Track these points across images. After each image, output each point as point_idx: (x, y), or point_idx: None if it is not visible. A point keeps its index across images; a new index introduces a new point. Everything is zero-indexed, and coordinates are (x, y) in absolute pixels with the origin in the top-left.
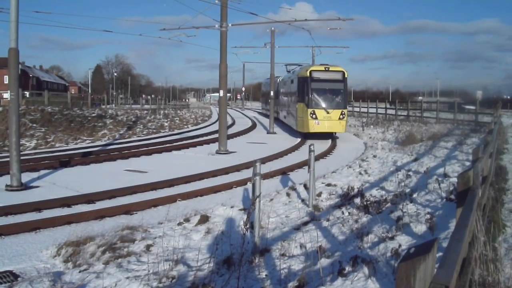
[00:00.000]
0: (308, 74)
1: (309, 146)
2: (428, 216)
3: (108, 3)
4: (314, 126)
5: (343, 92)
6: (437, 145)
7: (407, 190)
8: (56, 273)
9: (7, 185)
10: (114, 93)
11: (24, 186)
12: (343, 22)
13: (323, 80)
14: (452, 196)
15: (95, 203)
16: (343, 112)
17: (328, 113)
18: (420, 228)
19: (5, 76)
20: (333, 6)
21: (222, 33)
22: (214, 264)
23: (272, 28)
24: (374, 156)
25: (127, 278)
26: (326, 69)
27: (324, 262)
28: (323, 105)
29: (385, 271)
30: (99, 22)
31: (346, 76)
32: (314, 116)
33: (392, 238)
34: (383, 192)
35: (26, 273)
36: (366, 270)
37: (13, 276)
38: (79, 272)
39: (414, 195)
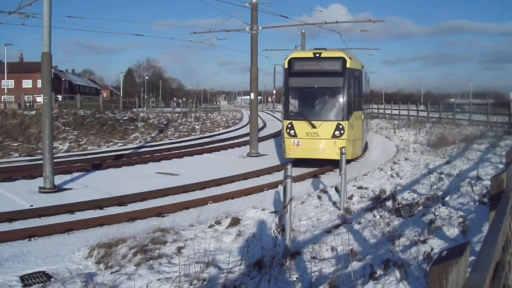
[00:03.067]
0: (286, 64)
1: (340, 148)
2: (461, 219)
3: (140, 7)
4: (292, 149)
5: (343, 91)
6: (470, 147)
7: (439, 193)
8: (88, 274)
9: (40, 187)
10: (146, 97)
11: (57, 188)
12: (375, 24)
13: (309, 73)
14: (485, 199)
15: (127, 205)
16: (340, 126)
17: (313, 127)
18: (453, 231)
19: (38, 80)
20: (367, 7)
21: (252, 36)
22: (245, 266)
23: (303, 31)
24: (406, 159)
25: (158, 280)
26: (316, 55)
27: (355, 265)
28: (306, 114)
29: (416, 274)
30: (131, 26)
31: (349, 65)
32: (291, 132)
33: (424, 242)
34: (415, 195)
35: (59, 273)
36: (397, 273)
37: (46, 277)
38: (111, 273)
39: (447, 198)
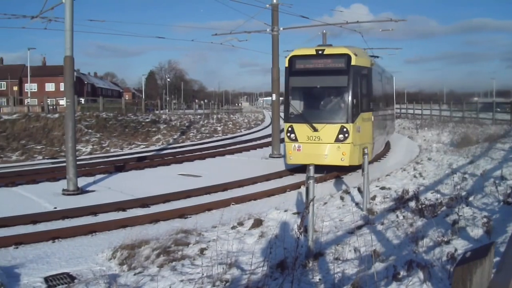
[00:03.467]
0: (287, 63)
1: (363, 149)
2: (485, 219)
3: (161, 10)
4: (293, 154)
5: (347, 91)
6: (494, 146)
7: (463, 193)
8: (112, 275)
9: (64, 190)
10: (167, 99)
11: (80, 190)
12: (396, 23)
13: (311, 71)
14: (510, 199)
15: (149, 207)
16: (344, 129)
17: (315, 130)
18: (477, 232)
19: (61, 83)
20: (389, 7)
21: (273, 37)
22: (267, 267)
23: (324, 31)
24: (429, 159)
25: (181, 281)
26: (319, 52)
27: (378, 266)
28: (307, 116)
29: (440, 275)
30: (152, 29)
31: (354, 62)
32: (292, 136)
33: (447, 242)
34: (438, 195)
35: (83, 275)
36: (421, 274)
37: (69, 278)
38: (134, 274)
39: (470, 198)
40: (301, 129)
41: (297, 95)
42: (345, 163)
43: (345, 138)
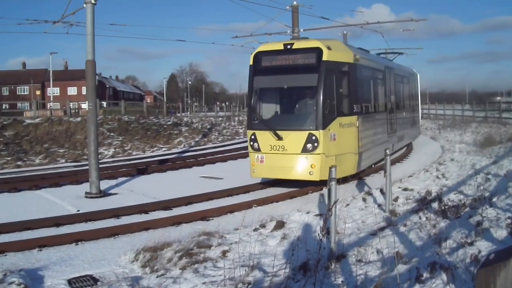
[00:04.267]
0: (251, 60)
1: (385, 150)
2: (509, 220)
3: (182, 13)
4: (256, 167)
5: (318, 91)
6: None
7: (487, 194)
8: (134, 277)
9: (86, 192)
10: (189, 101)
11: (103, 193)
12: (418, 23)
13: (278, 70)
14: None
15: (171, 209)
16: (313, 137)
17: (279, 138)
18: (501, 233)
19: (83, 87)
20: (410, 7)
21: (293, 39)
22: (290, 270)
23: (344, 32)
24: (452, 159)
25: (204, 283)
26: (287, 47)
27: (401, 268)
28: (271, 122)
29: (464, 278)
30: (173, 32)
31: (327, 57)
32: (255, 145)
33: (471, 244)
34: (462, 196)
35: (105, 277)
36: (444, 276)
37: (92, 280)
38: (157, 277)
39: (494, 199)
40: (264, 137)
41: (261, 98)
42: (315, 177)
43: (314, 147)
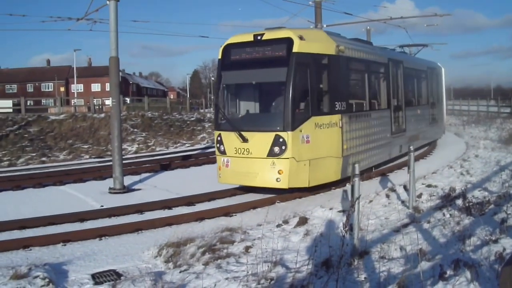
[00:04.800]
0: (220, 53)
1: (409, 146)
2: None
3: (205, 9)
4: (222, 171)
5: (287, 86)
6: None
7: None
8: (157, 273)
9: (110, 188)
10: (212, 97)
11: (127, 189)
12: (442, 18)
13: (247, 64)
14: None
15: (195, 205)
16: (281, 139)
17: (244, 140)
18: None
19: (106, 84)
20: (435, 1)
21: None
22: (312, 266)
23: (368, 27)
24: (476, 156)
25: (226, 279)
26: (258, 38)
27: (424, 265)
28: (237, 122)
29: (488, 275)
30: (196, 28)
31: (298, 49)
32: (221, 147)
33: (495, 241)
34: (486, 193)
35: (129, 272)
36: (468, 274)
37: (116, 275)
38: (180, 272)
39: None
40: (230, 139)
41: (228, 95)
42: (282, 185)
43: (282, 151)
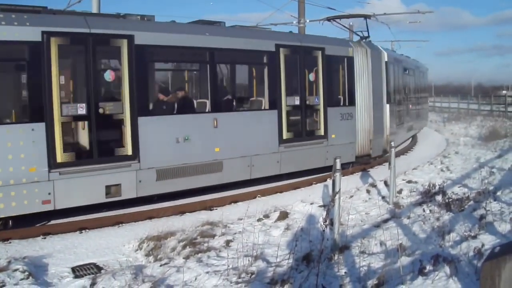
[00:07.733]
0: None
1: (390, 142)
2: None
3: (187, 4)
4: None
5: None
6: None
7: (491, 188)
8: (138, 266)
9: None
10: None
11: None
12: (426, 15)
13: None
14: None
15: (175, 198)
16: None
17: None
18: (504, 227)
19: None
20: None
21: (300, 30)
22: (293, 260)
23: (350, 23)
24: (456, 153)
25: (207, 272)
26: None
27: (404, 260)
28: None
29: (467, 270)
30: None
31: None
32: None
33: (474, 237)
34: (466, 190)
35: (109, 265)
36: (447, 269)
37: (96, 268)
38: (160, 265)
39: (498, 193)
40: None
41: None
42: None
43: None
